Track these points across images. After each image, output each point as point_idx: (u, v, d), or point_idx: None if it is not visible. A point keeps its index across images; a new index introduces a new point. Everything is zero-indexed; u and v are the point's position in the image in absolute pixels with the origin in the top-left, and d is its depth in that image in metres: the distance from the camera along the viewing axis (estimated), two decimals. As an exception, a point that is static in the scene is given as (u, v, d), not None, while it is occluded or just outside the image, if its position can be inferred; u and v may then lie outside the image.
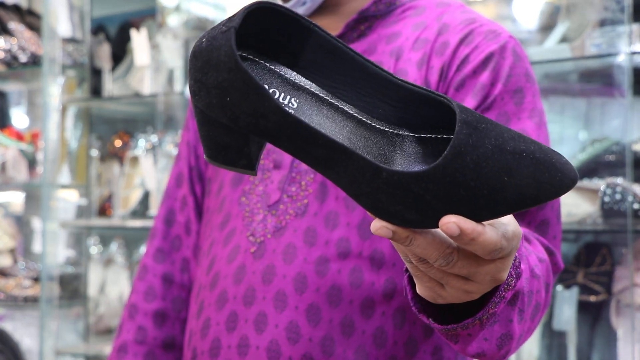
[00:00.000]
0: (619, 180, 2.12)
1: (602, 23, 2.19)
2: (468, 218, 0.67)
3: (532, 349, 2.26)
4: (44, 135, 3.01)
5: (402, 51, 1.12)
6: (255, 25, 0.73)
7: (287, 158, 1.14)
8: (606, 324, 2.22)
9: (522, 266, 0.85)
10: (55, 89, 3.02)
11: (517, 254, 0.81)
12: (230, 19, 0.71)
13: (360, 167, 0.68)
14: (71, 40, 3.15)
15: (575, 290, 2.19)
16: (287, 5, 1.16)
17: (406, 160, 0.75)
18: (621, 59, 2.15)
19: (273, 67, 0.76)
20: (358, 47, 1.15)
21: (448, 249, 0.70)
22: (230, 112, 0.70)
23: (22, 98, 3.72)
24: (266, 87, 0.71)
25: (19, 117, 3.71)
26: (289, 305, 1.06)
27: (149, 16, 3.11)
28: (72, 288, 3.09)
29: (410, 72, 1.10)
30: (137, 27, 3.04)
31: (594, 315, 2.24)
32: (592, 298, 2.22)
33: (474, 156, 0.67)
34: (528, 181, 0.67)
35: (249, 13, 0.71)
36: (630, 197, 2.06)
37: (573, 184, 0.68)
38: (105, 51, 3.11)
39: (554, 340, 2.30)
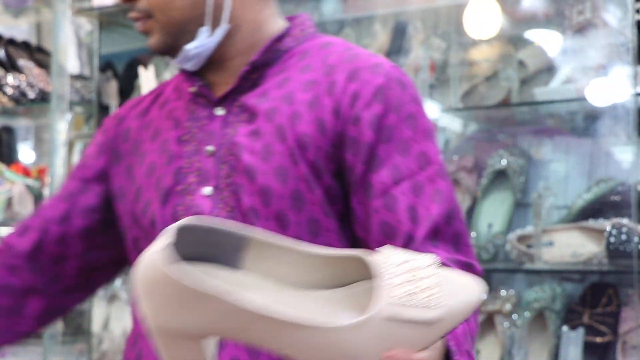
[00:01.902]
0: (625, 220, 2.12)
1: (608, 64, 2.20)
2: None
3: (538, 390, 2.24)
4: (50, 170, 3.02)
5: (294, 94, 1.17)
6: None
7: (205, 210, 1.17)
8: (612, 365, 2.20)
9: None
10: (62, 125, 3.04)
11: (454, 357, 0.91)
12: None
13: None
14: (79, 77, 3.18)
15: (581, 331, 2.18)
16: (176, 62, 1.23)
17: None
18: (626, 99, 2.16)
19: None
20: (252, 96, 1.20)
21: None
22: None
23: (30, 134, 3.73)
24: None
25: (25, 153, 3.73)
26: (228, 343, 1.10)
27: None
28: (75, 324, 3.08)
29: (304, 114, 1.15)
30: (145, 64, 3.06)
31: (600, 356, 2.23)
32: (598, 339, 2.21)
33: None
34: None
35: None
36: (636, 238, 2.06)
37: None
38: (112, 88, 3.13)
39: (559, 381, 2.29)
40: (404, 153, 1.11)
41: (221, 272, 0.80)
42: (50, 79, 3.08)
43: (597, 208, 2.27)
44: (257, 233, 0.79)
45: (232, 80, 1.22)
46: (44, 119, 3.34)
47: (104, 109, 3.15)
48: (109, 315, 3.13)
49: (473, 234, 2.38)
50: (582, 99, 2.26)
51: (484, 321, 2.36)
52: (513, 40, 2.47)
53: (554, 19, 2.44)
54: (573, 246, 2.21)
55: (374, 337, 0.75)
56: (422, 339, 0.76)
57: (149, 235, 1.22)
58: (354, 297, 0.81)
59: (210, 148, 1.19)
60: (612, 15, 2.24)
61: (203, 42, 1.21)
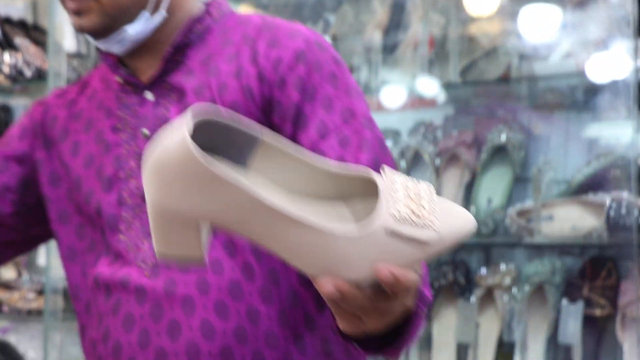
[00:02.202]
0: (625, 194, 2.13)
1: (608, 38, 2.20)
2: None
3: (537, 363, 2.25)
4: (48, 149, 3.01)
5: (218, 68, 1.22)
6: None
7: None
8: (612, 338, 2.21)
9: (426, 293, 1.02)
10: (60, 103, 3.03)
11: (422, 289, 0.97)
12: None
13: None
14: (76, 55, 3.16)
15: (580, 304, 2.20)
16: (102, 44, 1.25)
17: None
18: (626, 73, 2.16)
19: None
20: (179, 75, 1.23)
21: (373, 293, 0.80)
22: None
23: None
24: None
25: (22, 132, 3.71)
26: (197, 306, 1.15)
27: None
28: (75, 302, 3.08)
29: (230, 84, 1.19)
30: (143, 42, 3.05)
31: (599, 329, 2.24)
32: (598, 312, 2.22)
33: None
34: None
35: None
36: (635, 212, 2.07)
37: None
38: (110, 66, 3.11)
39: (559, 354, 2.30)
40: (328, 109, 1.16)
41: (227, 167, 0.81)
42: (47, 57, 3.06)
43: (597, 182, 2.28)
44: (266, 134, 0.81)
45: (156, 64, 1.25)
46: (41, 98, 3.33)
47: (101, 87, 3.14)
48: (108, 292, 3.13)
49: (472, 209, 2.39)
50: (582, 74, 2.27)
51: (483, 295, 2.37)
52: (512, 15, 2.47)
53: (554, -8, 2.44)
54: (573, 220, 2.22)
55: (372, 249, 0.77)
56: (413, 258, 0.78)
57: (95, 222, 1.26)
58: (355, 213, 0.83)
59: (145, 131, 1.23)
60: (611, -11, 2.24)
61: (144, 26, 1.23)
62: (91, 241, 1.29)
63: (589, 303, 2.23)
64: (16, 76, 3.06)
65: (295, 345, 1.19)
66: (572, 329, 2.17)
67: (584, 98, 2.48)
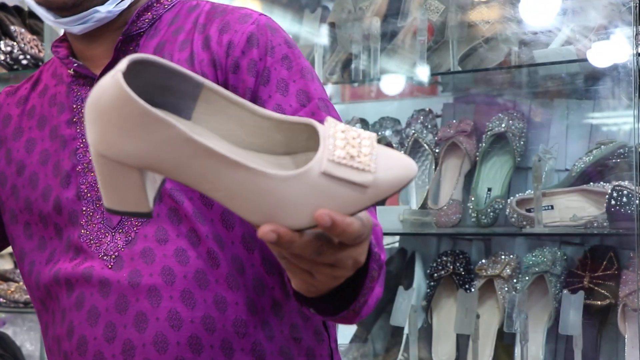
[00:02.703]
0: (626, 183, 2.11)
1: (608, 24, 2.17)
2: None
3: (538, 353, 2.24)
4: (45, 138, 2.99)
5: (172, 56, 1.22)
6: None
7: None
8: (612, 328, 2.20)
9: (383, 257, 1.02)
10: (56, 92, 3.01)
11: (377, 250, 0.98)
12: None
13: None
14: (72, 43, 3.14)
15: (581, 295, 2.17)
16: (63, 22, 1.24)
17: None
18: (627, 60, 2.13)
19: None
20: None
21: (319, 242, 0.81)
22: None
23: (24, 101, 3.70)
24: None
25: (20, 121, 3.70)
26: (163, 297, 1.16)
27: (151, 19, 3.10)
28: (73, 292, 3.07)
29: None
30: (139, 30, 3.03)
31: (600, 319, 2.22)
32: (599, 302, 2.20)
33: None
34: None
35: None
36: (637, 200, 2.04)
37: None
38: (106, 54, 3.09)
39: (559, 345, 2.29)
40: (284, 92, 1.18)
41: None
42: (43, 45, 3.04)
43: (598, 171, 2.25)
44: (208, 82, 0.81)
45: (108, 54, 1.26)
46: None
47: (98, 76, 3.12)
48: (106, 283, 3.12)
49: (472, 199, 2.36)
50: (582, 61, 2.24)
51: (483, 285, 2.35)
52: (512, 1, 2.44)
53: (554, -21, 2.41)
54: (573, 209, 2.20)
55: (309, 192, 0.78)
56: (355, 203, 0.78)
57: (49, 220, 1.25)
58: (298, 164, 0.83)
59: None
60: (612, -25, 2.21)
61: (115, 7, 1.24)
62: (40, 239, 1.28)
63: (589, 293, 2.21)
64: (12, 64, 3.04)
65: (263, 332, 1.20)
66: (572, 320, 2.15)
67: (584, 85, 2.45)
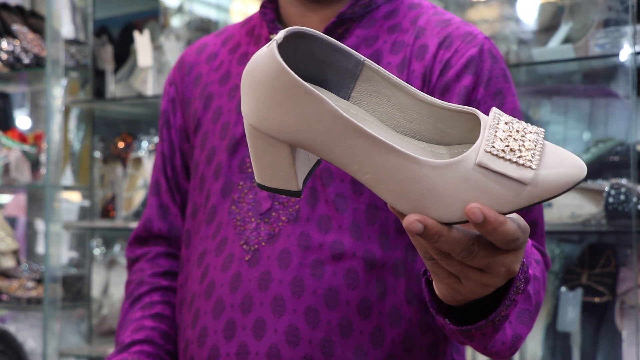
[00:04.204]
0: (624, 181, 2.12)
1: (606, 23, 2.18)
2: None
3: (536, 350, 2.25)
4: (47, 136, 3.00)
5: (381, 54, 1.14)
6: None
7: None
8: (610, 325, 2.21)
9: (530, 271, 0.87)
10: (58, 90, 3.02)
11: (524, 260, 0.84)
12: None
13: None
14: (74, 42, 3.15)
15: (579, 292, 2.19)
16: None
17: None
18: (625, 59, 2.14)
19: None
20: None
21: (470, 240, 0.73)
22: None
23: (25, 100, 3.71)
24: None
25: (22, 119, 3.71)
26: (287, 309, 1.08)
27: (152, 17, 3.11)
28: (75, 289, 3.09)
29: None
30: (140, 29, 3.04)
31: (598, 316, 2.23)
32: (597, 299, 2.21)
33: None
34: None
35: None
36: (634, 198, 2.05)
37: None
38: (108, 53, 3.10)
39: (557, 342, 2.30)
40: None
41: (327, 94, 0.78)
42: (44, 44, 3.05)
43: (596, 168, 2.27)
44: (369, 60, 0.77)
45: (318, 28, 1.19)
46: (39, 85, 3.32)
47: (99, 74, 3.13)
48: (108, 280, 3.14)
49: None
50: (580, 59, 2.25)
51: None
52: (511, 0, 2.45)
53: (553, -22, 2.42)
54: (572, 207, 2.21)
55: (462, 183, 0.72)
56: (511, 201, 0.72)
57: (204, 186, 1.20)
58: (453, 156, 0.78)
59: None
60: (611, -26, 2.22)
61: None
62: (193, 205, 1.24)
63: (588, 290, 2.22)
64: (14, 63, 3.05)
65: None
66: (571, 317, 2.16)
67: (583, 84, 2.46)
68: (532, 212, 1.09)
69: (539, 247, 1.10)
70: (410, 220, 0.71)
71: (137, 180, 3.03)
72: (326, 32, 1.16)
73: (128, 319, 1.26)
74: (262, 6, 1.23)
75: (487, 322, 0.85)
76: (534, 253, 1.02)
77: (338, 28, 1.17)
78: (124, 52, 3.13)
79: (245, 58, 1.23)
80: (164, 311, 1.25)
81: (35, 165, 3.12)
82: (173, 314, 1.26)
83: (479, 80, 1.10)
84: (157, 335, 1.23)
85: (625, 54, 2.14)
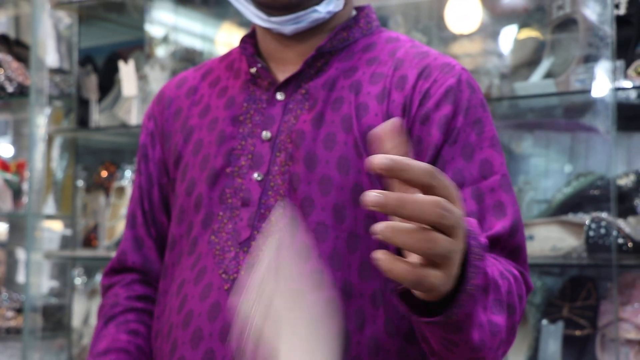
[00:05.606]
0: (604, 214, 2.13)
1: (587, 59, 2.21)
2: None
3: (518, 383, 2.25)
4: (29, 165, 3.00)
5: (361, 85, 1.16)
6: None
7: (255, 195, 1.15)
8: (591, 358, 2.21)
9: (482, 240, 0.85)
10: (41, 119, 3.02)
11: (471, 229, 0.82)
12: None
13: None
14: (58, 71, 3.16)
15: (560, 325, 2.19)
16: (278, 21, 1.18)
17: None
18: (605, 94, 2.17)
19: None
20: (317, 82, 1.18)
21: (431, 174, 0.72)
22: None
23: (9, 128, 3.71)
24: None
25: (4, 147, 3.70)
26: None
27: (137, 47, 3.12)
28: (55, 319, 3.07)
29: (371, 106, 1.14)
30: (125, 58, 3.05)
31: (579, 349, 2.24)
32: (578, 332, 2.22)
33: None
34: None
35: None
36: (615, 232, 2.07)
37: None
38: (92, 82, 3.11)
39: (539, 375, 2.30)
40: (468, 158, 1.10)
41: None
42: (29, 72, 3.05)
43: (577, 202, 2.28)
44: None
45: (297, 62, 1.21)
46: (23, 113, 3.32)
47: (83, 103, 3.13)
48: (89, 310, 3.11)
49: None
50: (562, 94, 2.27)
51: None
52: (493, 35, 2.48)
53: (534, 13, 2.45)
54: (553, 240, 2.22)
55: None
56: None
57: (184, 217, 1.20)
58: None
59: (267, 134, 1.17)
60: (591, 10, 2.25)
61: (332, 7, 1.19)
62: (171, 237, 1.24)
63: (569, 323, 2.23)
64: (-2, 91, 3.05)
65: None
66: (552, 349, 2.17)
67: (564, 118, 2.49)
68: (515, 237, 1.10)
69: (519, 268, 1.10)
70: (372, 196, 0.70)
71: (120, 210, 3.02)
72: (305, 65, 1.18)
73: (102, 335, 1.26)
74: (242, 41, 1.25)
75: (464, 295, 0.81)
76: (507, 266, 1.03)
77: (317, 62, 1.19)
78: (108, 82, 3.14)
79: (224, 92, 1.24)
80: (139, 328, 1.25)
81: (17, 193, 3.11)
82: (149, 333, 1.26)
83: (457, 109, 1.12)
84: (133, 348, 1.22)
85: (605, 90, 2.17)
